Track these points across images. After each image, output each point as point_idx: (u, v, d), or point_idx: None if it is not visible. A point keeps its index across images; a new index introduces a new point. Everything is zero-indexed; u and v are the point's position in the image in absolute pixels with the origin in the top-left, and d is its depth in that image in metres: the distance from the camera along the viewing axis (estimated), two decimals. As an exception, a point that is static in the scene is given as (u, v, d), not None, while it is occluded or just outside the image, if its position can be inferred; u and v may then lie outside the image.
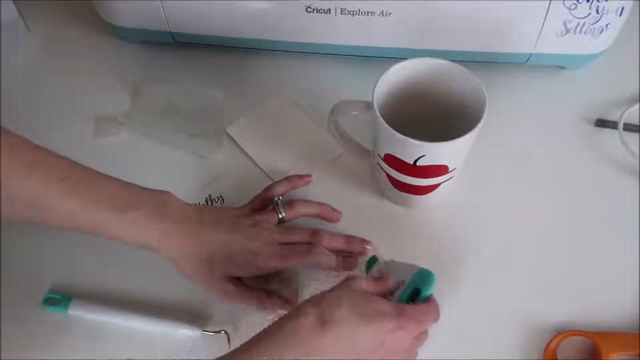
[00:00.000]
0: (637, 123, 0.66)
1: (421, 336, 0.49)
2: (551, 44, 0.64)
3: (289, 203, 0.59)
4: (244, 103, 0.69)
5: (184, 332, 0.56)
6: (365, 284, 0.49)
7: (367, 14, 0.62)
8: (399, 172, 0.56)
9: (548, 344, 0.54)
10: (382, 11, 0.62)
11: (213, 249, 0.54)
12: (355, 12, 0.62)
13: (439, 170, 0.55)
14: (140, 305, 0.57)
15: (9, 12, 0.71)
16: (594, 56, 0.66)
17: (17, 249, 0.60)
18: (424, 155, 0.53)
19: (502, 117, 0.64)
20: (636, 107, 0.67)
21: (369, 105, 0.54)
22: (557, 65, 0.69)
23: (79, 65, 0.73)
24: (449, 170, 0.56)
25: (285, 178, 0.61)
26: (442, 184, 0.58)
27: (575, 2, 0.59)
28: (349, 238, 0.58)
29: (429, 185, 0.58)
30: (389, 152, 0.55)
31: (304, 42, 0.67)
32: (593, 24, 0.61)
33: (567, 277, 0.58)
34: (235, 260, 0.54)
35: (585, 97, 0.69)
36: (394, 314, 0.46)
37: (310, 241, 0.56)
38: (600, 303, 0.57)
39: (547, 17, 0.61)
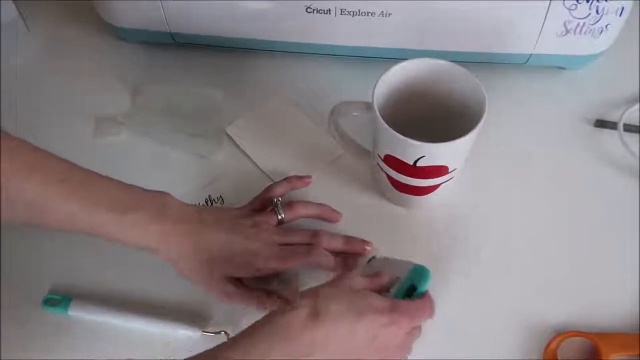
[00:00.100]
0: (637, 123, 0.66)
1: (414, 332, 0.49)
2: (551, 45, 0.64)
3: (289, 204, 0.59)
4: (243, 103, 0.69)
5: (184, 333, 0.56)
6: (359, 280, 0.49)
7: (367, 15, 0.62)
8: (399, 172, 0.56)
9: (548, 345, 0.54)
10: (382, 12, 0.62)
11: (213, 249, 0.54)
12: (355, 13, 0.62)
13: (439, 170, 0.55)
14: (140, 306, 0.57)
15: (9, 12, 0.71)
16: (593, 56, 0.66)
17: (17, 250, 0.60)
18: (424, 156, 0.53)
19: (502, 118, 0.64)
20: (636, 107, 0.67)
21: (369, 106, 0.54)
22: (557, 65, 0.69)
23: (79, 65, 0.73)
24: (449, 170, 0.56)
25: (284, 179, 0.61)
26: (442, 185, 0.58)
27: (575, 2, 0.59)
28: (348, 239, 0.58)
29: (429, 186, 0.58)
30: (389, 153, 0.55)
31: (304, 43, 0.67)
32: (593, 24, 0.61)
33: (567, 278, 0.58)
34: (235, 261, 0.54)
35: (585, 97, 0.69)
36: (387, 309, 0.46)
37: (310, 242, 0.56)
38: (600, 303, 0.57)
39: (547, 18, 0.61)
